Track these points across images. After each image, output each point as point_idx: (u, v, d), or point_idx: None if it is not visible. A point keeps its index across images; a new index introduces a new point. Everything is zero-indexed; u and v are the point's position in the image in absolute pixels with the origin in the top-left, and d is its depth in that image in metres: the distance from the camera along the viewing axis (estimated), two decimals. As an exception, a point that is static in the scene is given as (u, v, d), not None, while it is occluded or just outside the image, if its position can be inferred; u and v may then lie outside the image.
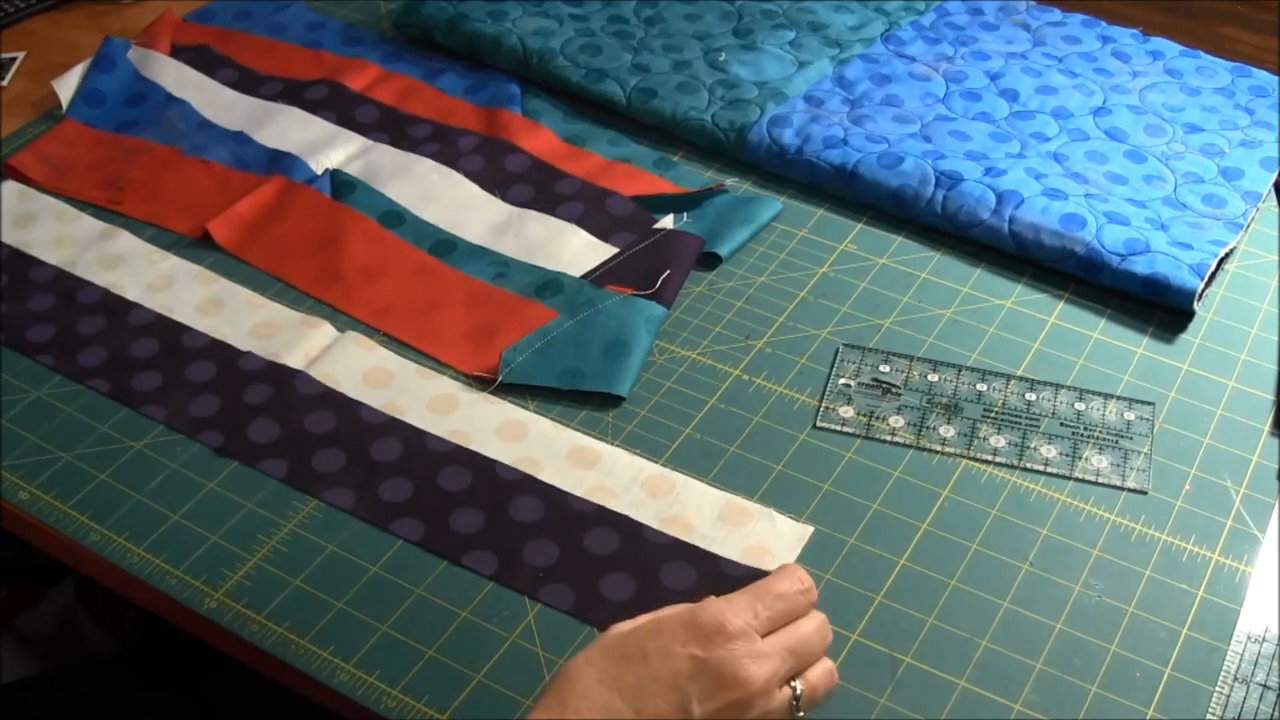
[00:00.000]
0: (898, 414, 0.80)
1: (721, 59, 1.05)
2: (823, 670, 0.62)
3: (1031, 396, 0.81)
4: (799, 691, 0.60)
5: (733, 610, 0.60)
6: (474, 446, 0.78)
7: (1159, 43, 1.08)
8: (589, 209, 0.94)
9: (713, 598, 0.61)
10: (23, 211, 0.95)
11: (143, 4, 1.17)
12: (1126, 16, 1.12)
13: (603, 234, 0.92)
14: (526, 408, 0.80)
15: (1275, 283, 0.89)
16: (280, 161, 0.98)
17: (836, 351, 0.84)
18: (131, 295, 0.88)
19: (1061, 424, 0.79)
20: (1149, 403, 0.80)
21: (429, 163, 0.98)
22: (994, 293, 0.88)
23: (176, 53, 1.09)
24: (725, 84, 1.02)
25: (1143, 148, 0.97)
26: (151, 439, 0.79)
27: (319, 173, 0.97)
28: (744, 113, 0.99)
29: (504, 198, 0.96)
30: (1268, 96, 1.02)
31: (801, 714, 0.60)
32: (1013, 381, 0.82)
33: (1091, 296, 0.88)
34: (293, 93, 1.05)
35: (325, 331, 0.85)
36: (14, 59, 1.10)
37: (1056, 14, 1.12)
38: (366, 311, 0.87)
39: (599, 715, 0.57)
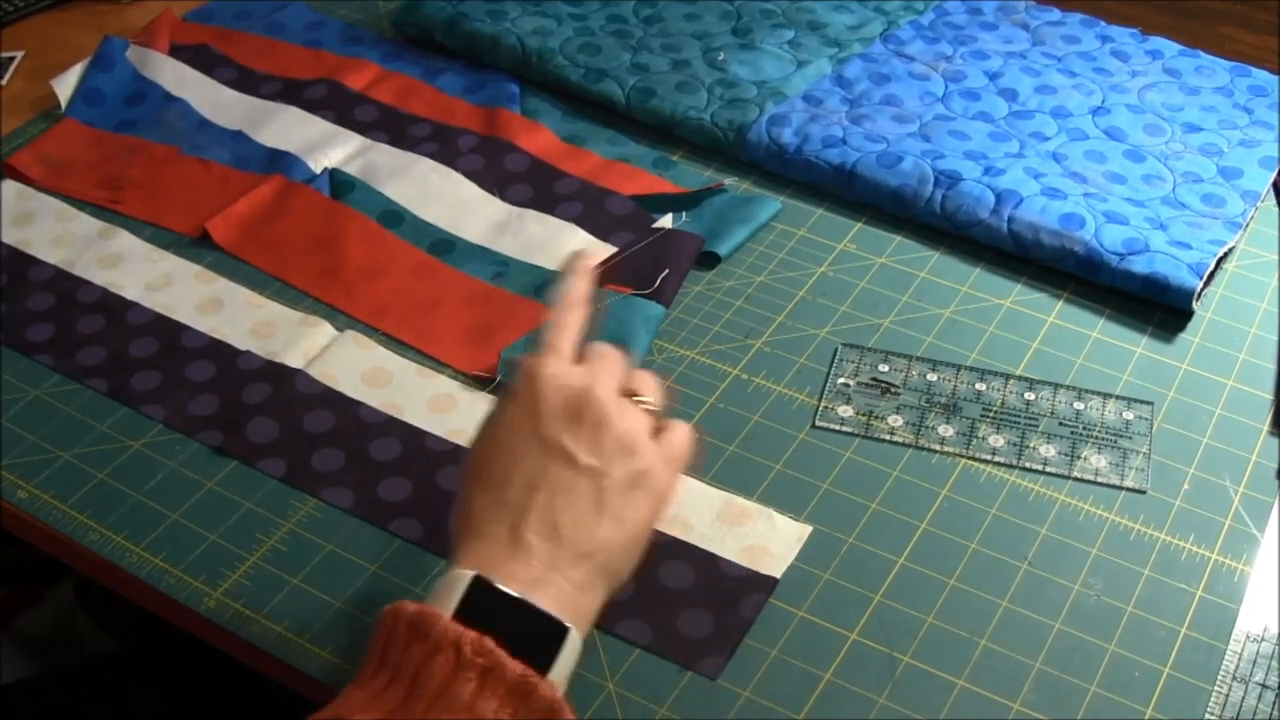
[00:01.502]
0: (896, 413, 0.80)
1: (720, 58, 1.05)
2: (646, 380, 0.62)
3: (1030, 396, 0.81)
4: (648, 400, 0.61)
5: (529, 355, 0.61)
6: (473, 446, 0.78)
7: (1158, 42, 1.08)
8: (588, 208, 0.94)
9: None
10: (22, 211, 0.95)
11: (142, 3, 1.17)
12: (1126, 16, 1.12)
13: (602, 233, 0.92)
14: (525, 407, 0.80)
15: (1274, 282, 0.89)
16: (279, 161, 0.98)
17: (835, 351, 0.84)
18: (130, 294, 0.88)
19: (1060, 423, 0.79)
20: (1148, 402, 0.80)
21: (428, 162, 0.98)
22: (993, 292, 0.88)
23: (175, 52, 1.09)
24: (724, 83, 1.02)
25: (1142, 147, 0.97)
26: (150, 438, 0.79)
27: (318, 172, 0.97)
28: (743, 112, 0.99)
29: (503, 197, 0.96)
30: (1267, 96, 1.02)
31: (660, 417, 0.61)
32: (1011, 381, 0.82)
33: (1090, 296, 0.88)
34: (292, 92, 1.05)
35: (324, 331, 0.85)
36: (13, 58, 1.10)
37: (1055, 13, 1.12)
38: (365, 311, 0.87)
39: (498, 509, 0.57)
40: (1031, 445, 0.78)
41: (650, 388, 0.62)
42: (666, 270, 0.87)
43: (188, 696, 0.89)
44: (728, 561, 0.71)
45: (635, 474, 0.58)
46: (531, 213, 0.94)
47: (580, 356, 0.62)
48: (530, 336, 0.83)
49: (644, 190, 0.96)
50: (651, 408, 0.61)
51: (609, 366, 0.61)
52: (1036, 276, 0.89)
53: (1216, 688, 0.66)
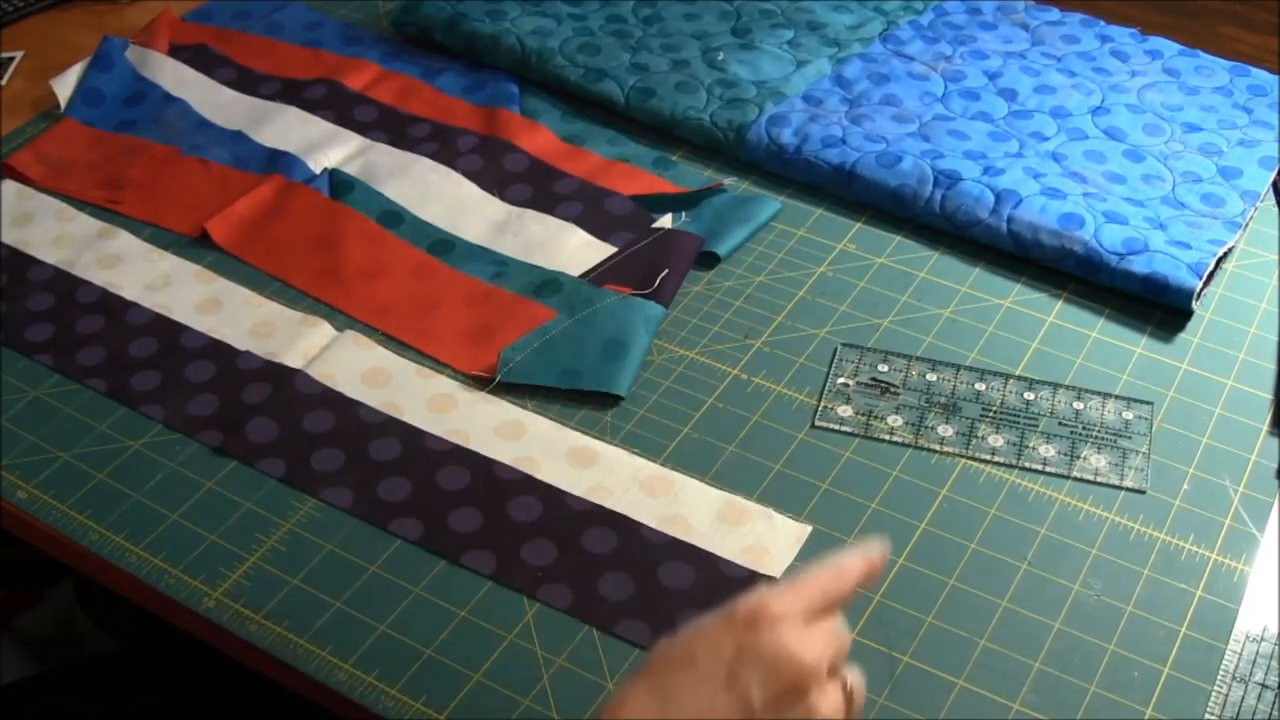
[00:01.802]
0: (896, 413, 0.80)
1: (720, 58, 1.05)
2: (857, 673, 0.59)
3: (1030, 396, 0.81)
4: (850, 686, 0.57)
5: (773, 594, 0.57)
6: (472, 446, 0.78)
7: (1157, 42, 1.08)
8: (588, 208, 0.94)
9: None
10: (21, 211, 0.95)
11: (141, 3, 1.17)
12: (1125, 16, 1.12)
13: (601, 233, 0.92)
14: (525, 407, 0.80)
15: (1274, 282, 0.89)
16: (279, 161, 0.98)
17: (835, 351, 0.84)
18: (130, 294, 0.88)
19: (1060, 423, 0.79)
20: (1147, 402, 0.80)
21: (428, 162, 0.98)
22: (992, 292, 0.88)
23: (175, 52, 1.09)
24: (724, 83, 1.02)
25: (1141, 147, 0.97)
26: (150, 438, 0.79)
27: (317, 172, 0.97)
28: (742, 112, 0.99)
29: (502, 197, 0.96)
30: (1266, 95, 1.02)
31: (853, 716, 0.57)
32: (1011, 381, 0.82)
33: (1090, 296, 0.88)
34: (291, 92, 1.05)
35: (324, 331, 0.85)
36: (13, 58, 1.10)
37: (1055, 13, 1.12)
38: (365, 311, 0.87)
39: None
40: (1031, 445, 0.78)
41: (857, 681, 0.58)
42: (666, 270, 0.87)
43: (188, 696, 0.89)
44: (728, 561, 0.71)
45: None
46: (531, 213, 0.94)
47: (813, 617, 0.58)
48: (530, 336, 0.84)
49: (644, 190, 0.96)
50: (851, 696, 0.57)
51: (834, 642, 0.57)
52: (1036, 276, 0.89)
53: (1216, 688, 0.66)
